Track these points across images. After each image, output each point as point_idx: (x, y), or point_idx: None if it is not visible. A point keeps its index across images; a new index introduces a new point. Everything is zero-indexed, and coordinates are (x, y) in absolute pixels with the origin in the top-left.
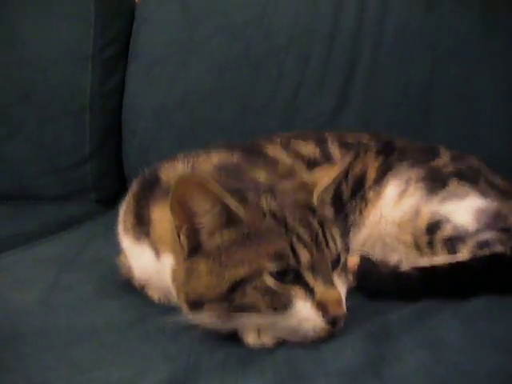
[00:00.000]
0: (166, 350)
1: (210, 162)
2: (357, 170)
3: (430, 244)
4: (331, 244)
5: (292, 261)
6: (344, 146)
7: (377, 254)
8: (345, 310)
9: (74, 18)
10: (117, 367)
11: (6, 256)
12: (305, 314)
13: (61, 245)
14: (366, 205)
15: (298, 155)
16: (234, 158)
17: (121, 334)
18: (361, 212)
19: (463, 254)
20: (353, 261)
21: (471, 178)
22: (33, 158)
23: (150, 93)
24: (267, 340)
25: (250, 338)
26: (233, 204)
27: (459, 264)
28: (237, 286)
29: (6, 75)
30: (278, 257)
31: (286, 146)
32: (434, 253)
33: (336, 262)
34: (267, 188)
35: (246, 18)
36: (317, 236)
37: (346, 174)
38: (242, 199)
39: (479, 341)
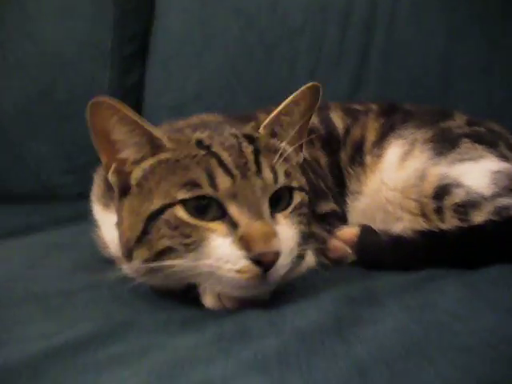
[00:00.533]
0: (105, 308)
1: (188, 121)
2: (355, 134)
3: (438, 211)
4: (266, 174)
5: (208, 188)
6: (347, 112)
7: (378, 225)
8: (275, 247)
9: (92, 16)
10: (51, 322)
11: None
12: (223, 252)
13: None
14: (364, 171)
15: None
16: (218, 118)
17: (69, 299)
18: (359, 179)
19: (477, 221)
20: (351, 232)
21: (489, 141)
22: (52, 155)
23: (166, 88)
24: (226, 302)
25: (207, 300)
26: (155, 131)
27: (472, 228)
28: (149, 222)
29: (27, 73)
30: (191, 184)
31: None
32: (442, 221)
33: (278, 199)
34: (209, 124)
35: (261, 4)
36: (246, 163)
37: (295, 103)
38: (173, 132)
39: (478, 305)
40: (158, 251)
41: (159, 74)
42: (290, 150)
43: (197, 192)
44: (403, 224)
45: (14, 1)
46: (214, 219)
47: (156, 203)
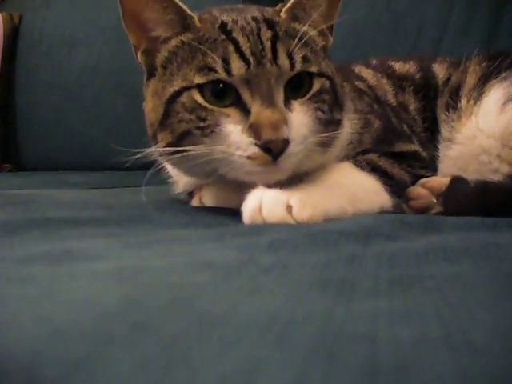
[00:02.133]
0: None
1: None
2: (454, 80)
3: None
4: (282, 61)
5: (223, 73)
6: (452, 64)
7: (472, 177)
8: (283, 135)
9: None
10: None
11: None
12: (234, 138)
13: None
14: (458, 116)
15: (388, 72)
16: None
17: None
18: (452, 125)
19: None
20: (440, 181)
21: None
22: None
23: None
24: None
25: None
26: (186, 9)
27: None
28: (169, 106)
29: None
30: (208, 68)
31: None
32: None
33: (298, 86)
34: (237, 7)
35: None
36: (262, 49)
37: None
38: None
39: None
40: (178, 134)
41: None
42: (312, 33)
43: (212, 76)
44: (501, 176)
45: None
46: (229, 105)
47: (175, 85)
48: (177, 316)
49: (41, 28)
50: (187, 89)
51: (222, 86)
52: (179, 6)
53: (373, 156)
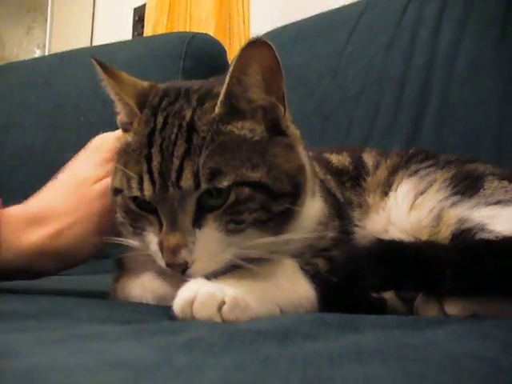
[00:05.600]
0: None
1: None
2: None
3: None
4: (186, 182)
5: (136, 192)
6: (382, 152)
7: None
8: (182, 259)
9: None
10: None
11: None
12: (153, 249)
13: None
14: (366, 211)
15: (323, 162)
16: None
17: None
18: (360, 221)
19: None
20: None
21: None
22: None
23: None
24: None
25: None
26: (135, 107)
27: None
28: (113, 196)
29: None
30: (127, 183)
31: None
32: None
33: (214, 197)
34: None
35: (322, 72)
36: (170, 170)
37: (240, 70)
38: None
39: None
40: (119, 223)
41: None
42: (245, 128)
43: (131, 192)
44: None
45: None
46: (152, 212)
47: (114, 183)
48: None
49: None
50: (120, 191)
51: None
52: (129, 101)
53: (320, 261)
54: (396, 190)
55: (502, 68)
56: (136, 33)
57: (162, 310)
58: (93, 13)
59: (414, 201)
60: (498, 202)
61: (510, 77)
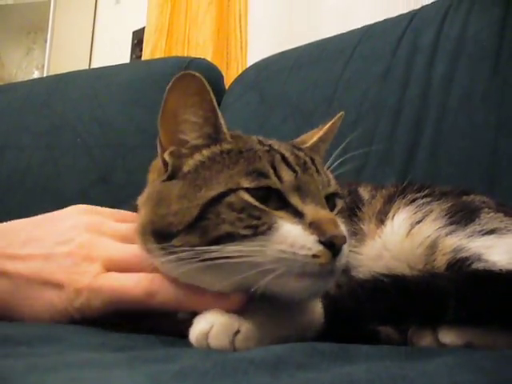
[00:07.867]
0: None
1: None
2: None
3: None
4: (323, 175)
5: (273, 179)
6: (376, 188)
7: None
8: (343, 231)
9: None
10: None
11: None
12: (296, 237)
13: None
14: (362, 238)
15: None
16: None
17: None
18: (355, 247)
19: None
20: None
21: None
22: None
23: None
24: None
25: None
26: (223, 125)
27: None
28: (208, 208)
29: (90, 156)
30: (257, 173)
31: None
32: None
33: (331, 200)
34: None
35: (317, 100)
36: (305, 163)
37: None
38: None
39: None
40: (213, 238)
41: None
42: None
43: (263, 182)
44: None
45: (91, 93)
46: (276, 209)
47: (217, 188)
48: None
49: None
50: (234, 190)
51: (269, 191)
52: (218, 118)
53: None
54: (393, 219)
55: (493, 100)
56: (134, 56)
57: (156, 337)
58: (92, 35)
59: (411, 229)
60: (493, 232)
61: (502, 109)
